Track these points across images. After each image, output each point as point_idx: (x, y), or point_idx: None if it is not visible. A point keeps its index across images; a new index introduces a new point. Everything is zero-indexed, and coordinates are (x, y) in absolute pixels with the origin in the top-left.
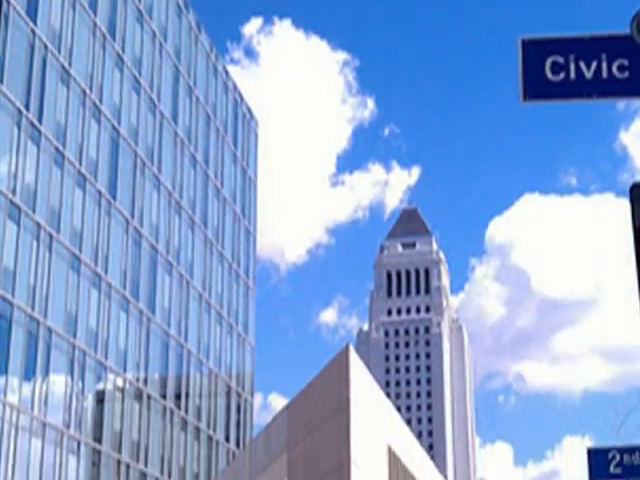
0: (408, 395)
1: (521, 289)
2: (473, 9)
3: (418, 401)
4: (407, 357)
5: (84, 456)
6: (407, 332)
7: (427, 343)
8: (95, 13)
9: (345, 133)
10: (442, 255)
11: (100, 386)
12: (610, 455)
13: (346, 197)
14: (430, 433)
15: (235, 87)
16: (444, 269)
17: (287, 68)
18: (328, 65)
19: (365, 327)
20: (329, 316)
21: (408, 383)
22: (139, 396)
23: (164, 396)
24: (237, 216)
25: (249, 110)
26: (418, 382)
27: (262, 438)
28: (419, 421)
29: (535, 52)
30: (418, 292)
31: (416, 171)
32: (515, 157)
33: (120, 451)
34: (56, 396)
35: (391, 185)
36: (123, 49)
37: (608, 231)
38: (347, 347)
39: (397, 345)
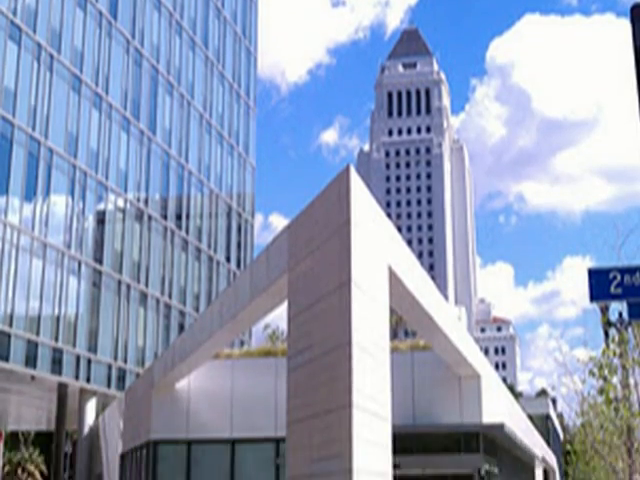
0: (409, 215)
1: (522, 109)
2: None
3: (419, 221)
4: (408, 177)
5: (85, 276)
6: (408, 152)
7: (428, 163)
8: None
9: None
10: (443, 75)
11: (101, 206)
12: (611, 275)
13: (347, 17)
14: (431, 253)
15: None
16: (445, 89)
17: None
18: None
19: (366, 147)
20: (330, 136)
21: (409, 203)
22: (140, 216)
23: (165, 216)
24: (238, 36)
25: None
26: (419, 202)
27: (262, 258)
28: (420, 241)
29: None
30: (419, 112)
31: None
32: None
33: (121, 271)
34: (57, 216)
35: (392, 5)
36: None
37: (609, 51)
38: (348, 167)
39: (398, 165)
